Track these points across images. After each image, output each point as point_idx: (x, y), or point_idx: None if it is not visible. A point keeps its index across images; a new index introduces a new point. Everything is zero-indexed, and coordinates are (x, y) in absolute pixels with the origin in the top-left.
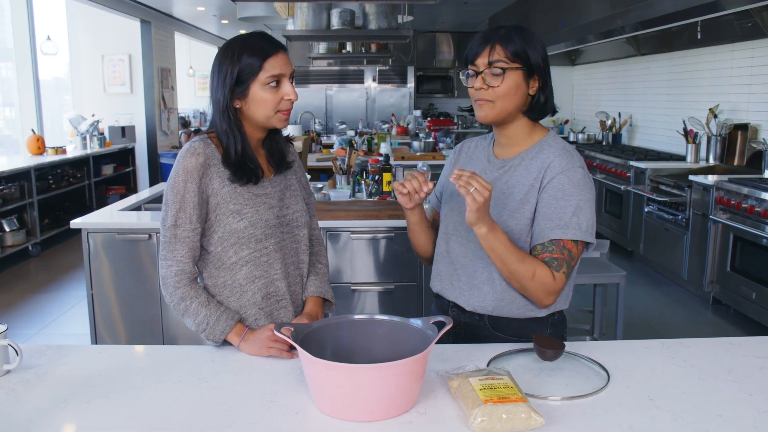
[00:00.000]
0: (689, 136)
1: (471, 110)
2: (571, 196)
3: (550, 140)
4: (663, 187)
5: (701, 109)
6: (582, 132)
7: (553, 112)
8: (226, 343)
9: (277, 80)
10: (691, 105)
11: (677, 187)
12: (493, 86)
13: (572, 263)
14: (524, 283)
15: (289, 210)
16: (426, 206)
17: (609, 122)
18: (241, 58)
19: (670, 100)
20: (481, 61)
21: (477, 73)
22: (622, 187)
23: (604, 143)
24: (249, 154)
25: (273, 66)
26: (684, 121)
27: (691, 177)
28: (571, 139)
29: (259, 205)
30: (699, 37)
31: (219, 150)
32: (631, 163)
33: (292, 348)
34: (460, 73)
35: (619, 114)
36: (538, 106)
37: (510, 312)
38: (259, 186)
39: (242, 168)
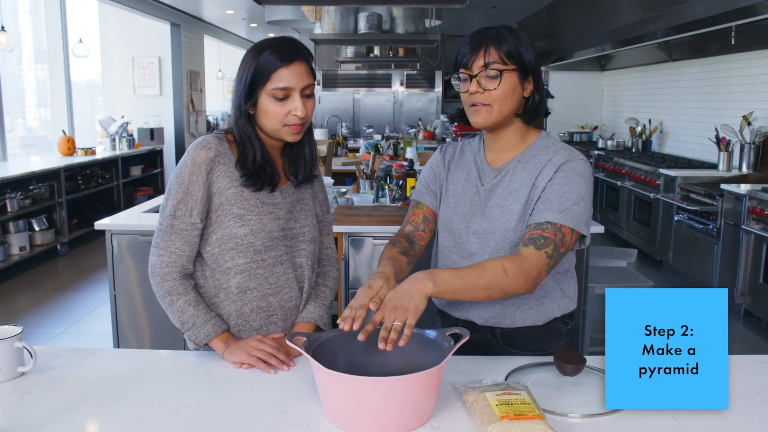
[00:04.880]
0: (721, 143)
1: (460, 116)
2: (575, 185)
3: (545, 141)
4: (694, 196)
5: (734, 117)
6: (611, 138)
7: (546, 113)
8: (206, 347)
9: (285, 93)
10: (723, 112)
11: (708, 195)
12: (490, 89)
13: (561, 249)
14: (502, 284)
15: (297, 224)
16: (413, 198)
17: (639, 129)
18: (255, 64)
19: (702, 107)
20: (476, 64)
21: (471, 77)
22: (652, 195)
23: (633, 150)
24: (267, 159)
25: (281, 78)
26: (716, 129)
27: (723, 186)
28: (600, 145)
29: (265, 214)
30: (733, 42)
31: (233, 150)
32: (661, 170)
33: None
34: (452, 78)
35: (650, 121)
36: (533, 108)
37: (522, 320)
38: (269, 194)
39: (257, 174)
